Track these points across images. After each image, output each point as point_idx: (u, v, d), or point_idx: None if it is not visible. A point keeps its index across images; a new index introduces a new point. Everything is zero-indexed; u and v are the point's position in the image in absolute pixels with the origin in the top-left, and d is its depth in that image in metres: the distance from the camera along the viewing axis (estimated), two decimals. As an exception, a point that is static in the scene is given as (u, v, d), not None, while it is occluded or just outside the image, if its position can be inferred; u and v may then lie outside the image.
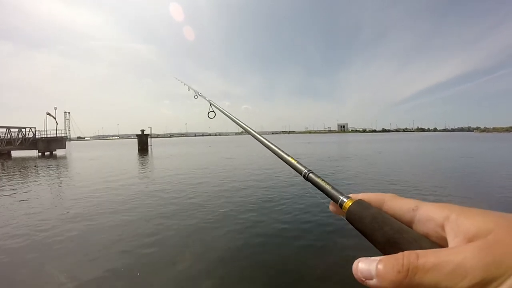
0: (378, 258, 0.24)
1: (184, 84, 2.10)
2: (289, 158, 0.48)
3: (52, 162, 19.90)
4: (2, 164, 18.92)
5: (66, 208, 6.45)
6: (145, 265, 3.52)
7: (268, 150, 0.57)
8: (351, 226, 0.32)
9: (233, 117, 0.94)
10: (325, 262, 3.50)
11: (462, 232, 0.22)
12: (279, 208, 5.84)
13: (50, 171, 14.19)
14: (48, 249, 4.11)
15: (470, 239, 0.21)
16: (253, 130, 0.71)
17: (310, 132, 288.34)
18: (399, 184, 8.27)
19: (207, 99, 1.33)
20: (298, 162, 0.46)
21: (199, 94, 1.69)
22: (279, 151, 0.52)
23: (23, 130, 29.50)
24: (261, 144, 0.62)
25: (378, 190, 0.34)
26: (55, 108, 38.50)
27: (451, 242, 0.23)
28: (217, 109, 1.20)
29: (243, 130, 0.79)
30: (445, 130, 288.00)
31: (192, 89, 1.84)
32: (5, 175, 12.81)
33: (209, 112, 1.22)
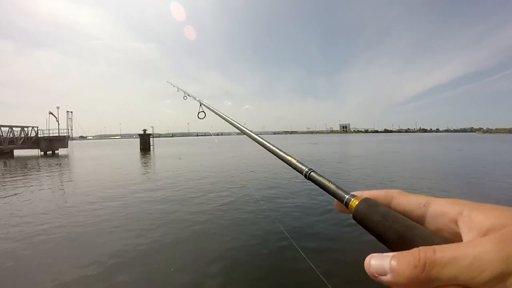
0: (391, 254, 0.23)
1: (174, 86, 2.04)
2: (289, 158, 0.45)
3: (54, 161, 19.92)
4: (5, 163, 18.96)
5: (67, 208, 6.40)
6: (140, 268, 3.45)
7: (265, 150, 0.54)
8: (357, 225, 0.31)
9: (225, 117, 0.90)
10: (332, 258, 3.43)
11: (476, 227, 0.22)
12: (286, 205, 5.77)
13: (52, 170, 14.18)
14: (43, 252, 4.07)
15: (485, 233, 0.21)
16: (248, 130, 0.66)
17: (312, 132, 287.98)
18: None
19: (197, 99, 1.30)
20: (298, 161, 0.44)
21: (188, 95, 1.65)
22: (277, 151, 0.49)
23: (25, 129, 29.60)
24: (258, 144, 0.58)
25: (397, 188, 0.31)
26: (57, 107, 38.59)
27: (465, 236, 0.23)
28: (208, 109, 1.14)
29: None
30: (447, 130, 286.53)
31: (181, 90, 1.80)
32: (7, 174, 12.82)
33: (199, 113, 1.18)
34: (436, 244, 0.23)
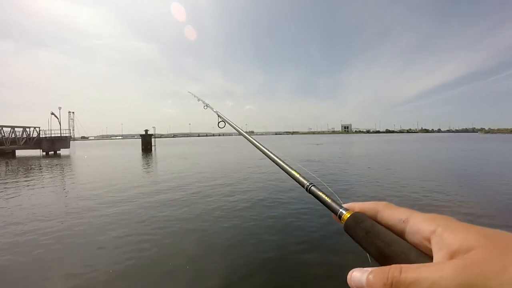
0: (370, 269, 0.25)
1: (195, 97, 2.26)
2: (293, 172, 0.50)
3: (56, 162, 19.88)
4: (7, 163, 18.91)
5: (68, 210, 6.29)
6: (140, 268, 3.32)
7: (271, 162, 0.59)
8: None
9: (238, 128, 1.04)
10: (327, 264, 3.26)
11: (446, 247, 0.23)
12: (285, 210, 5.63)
13: (54, 171, 14.10)
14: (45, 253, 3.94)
15: (452, 254, 0.22)
16: (257, 141, 0.72)
17: (313, 132, 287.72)
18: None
19: (215, 110, 1.47)
20: (300, 175, 0.48)
21: (207, 105, 1.81)
22: (283, 164, 0.54)
23: (27, 129, 29.61)
24: (267, 157, 0.62)
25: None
26: (59, 108, 38.61)
27: (435, 255, 0.24)
28: (225, 121, 1.30)
29: (247, 131, 0.82)
30: (449, 131, 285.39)
31: (201, 100, 1.98)
32: (9, 174, 12.73)
33: (219, 122, 1.33)
34: (411, 259, 0.26)
